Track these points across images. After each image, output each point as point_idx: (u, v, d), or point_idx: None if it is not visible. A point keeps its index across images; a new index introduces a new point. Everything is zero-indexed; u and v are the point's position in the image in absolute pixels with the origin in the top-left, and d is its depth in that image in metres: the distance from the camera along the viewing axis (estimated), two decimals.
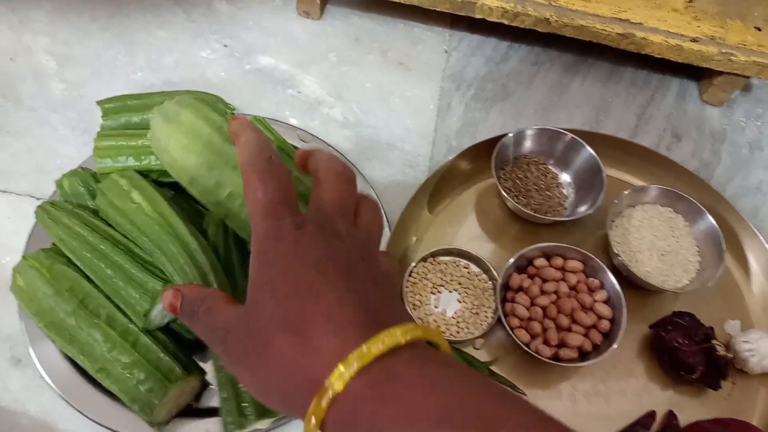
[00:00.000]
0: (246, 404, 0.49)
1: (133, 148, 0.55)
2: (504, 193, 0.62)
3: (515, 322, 0.57)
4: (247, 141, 0.37)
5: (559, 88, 0.76)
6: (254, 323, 0.31)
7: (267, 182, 0.35)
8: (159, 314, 0.51)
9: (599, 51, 0.75)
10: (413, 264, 0.60)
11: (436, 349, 0.31)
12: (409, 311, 0.58)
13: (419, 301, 0.59)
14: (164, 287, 0.49)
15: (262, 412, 0.49)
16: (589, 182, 0.64)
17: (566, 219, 0.62)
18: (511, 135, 0.65)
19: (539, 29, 0.70)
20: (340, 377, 0.27)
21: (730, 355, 0.57)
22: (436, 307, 0.59)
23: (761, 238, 0.63)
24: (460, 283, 0.60)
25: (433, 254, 0.61)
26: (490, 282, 0.61)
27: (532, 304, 0.58)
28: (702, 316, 0.59)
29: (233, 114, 0.64)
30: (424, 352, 0.29)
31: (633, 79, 0.77)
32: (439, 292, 0.60)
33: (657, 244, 0.62)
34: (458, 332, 0.58)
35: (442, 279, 0.60)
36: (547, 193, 0.65)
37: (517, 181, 0.66)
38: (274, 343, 0.30)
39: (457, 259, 0.62)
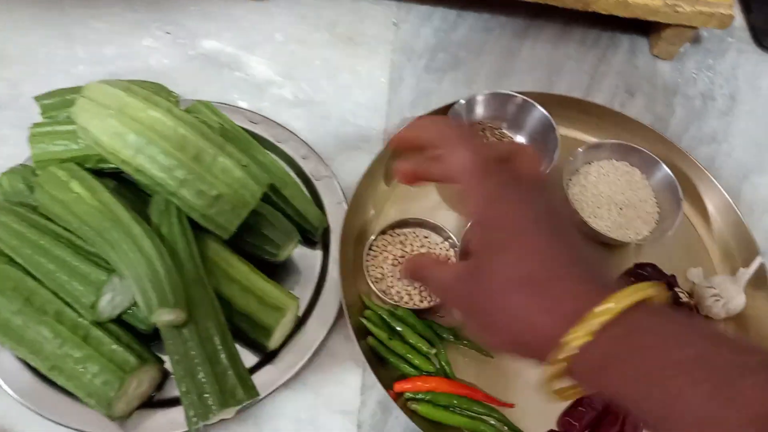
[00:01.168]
0: (207, 395, 0.47)
1: (68, 132, 0.53)
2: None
3: None
4: (423, 125, 0.38)
5: (510, 53, 0.75)
6: (486, 283, 0.33)
7: (470, 144, 0.35)
8: (109, 305, 0.49)
9: (548, 14, 0.74)
10: (372, 237, 0.59)
11: (662, 304, 0.31)
12: (371, 285, 0.57)
13: (381, 273, 0.58)
14: (109, 277, 0.48)
15: (224, 401, 0.47)
16: (543, 142, 0.64)
17: None
18: (462, 102, 0.64)
19: None
20: (581, 335, 0.29)
21: (693, 302, 0.57)
22: (399, 279, 0.58)
23: (718, 185, 0.63)
24: (415, 250, 0.59)
25: (392, 226, 0.60)
26: (451, 250, 0.60)
27: None
28: (665, 265, 0.59)
29: (177, 101, 0.62)
30: (660, 308, 0.30)
31: (583, 39, 0.77)
32: (400, 263, 0.59)
33: (615, 198, 0.62)
34: (422, 302, 0.57)
35: (402, 250, 0.60)
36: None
37: None
38: (510, 303, 0.32)
39: (417, 229, 0.61)
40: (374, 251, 0.59)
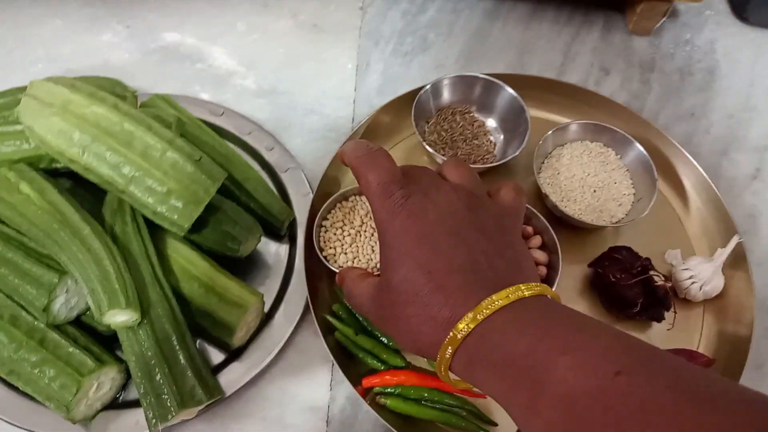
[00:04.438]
0: (165, 396, 0.46)
1: (20, 132, 0.51)
2: (428, 147, 0.60)
3: None
4: (343, 147, 0.42)
5: (480, 34, 0.73)
6: (385, 299, 0.37)
7: (372, 168, 0.38)
8: (63, 307, 0.48)
9: None
10: (322, 209, 0.55)
11: (535, 300, 0.34)
12: (325, 263, 0.54)
13: (334, 250, 0.55)
14: (61, 279, 0.46)
15: (183, 402, 0.46)
16: (514, 125, 0.62)
17: (494, 164, 0.60)
18: (428, 87, 0.62)
19: None
20: (451, 340, 0.33)
21: (669, 284, 0.55)
22: (356, 248, 0.56)
23: (695, 163, 0.61)
24: (373, 220, 0.57)
25: (345, 195, 0.56)
26: None
27: None
28: (642, 248, 0.57)
29: (135, 97, 0.60)
30: (522, 307, 0.33)
31: (556, 18, 0.74)
32: (359, 233, 0.56)
33: (588, 180, 0.60)
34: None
35: (361, 218, 0.56)
36: (475, 141, 0.63)
37: (443, 133, 0.63)
38: (403, 315, 0.35)
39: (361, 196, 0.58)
40: (326, 225, 0.56)
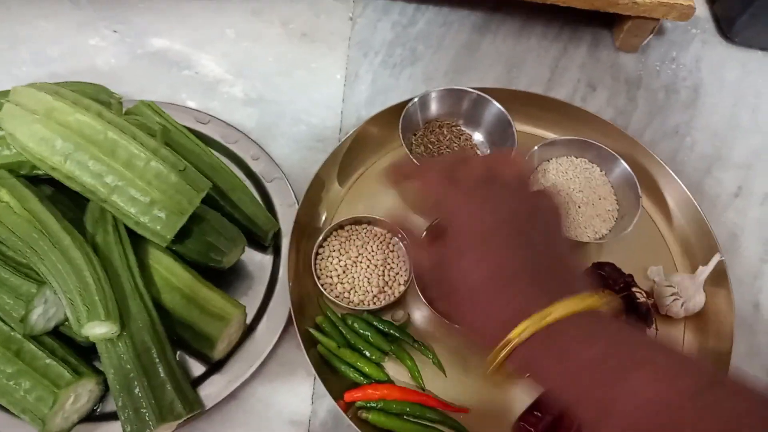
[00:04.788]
0: (144, 410, 0.45)
1: (1, 138, 0.51)
2: (415, 160, 0.60)
3: (433, 294, 0.55)
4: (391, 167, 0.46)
5: (470, 47, 0.73)
6: (452, 280, 0.38)
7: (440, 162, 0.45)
8: (41, 318, 0.47)
9: (508, 8, 0.73)
10: (320, 238, 0.57)
11: (601, 313, 0.35)
12: (322, 290, 0.55)
13: (331, 279, 0.56)
14: (39, 289, 0.46)
15: (162, 416, 0.45)
16: (501, 139, 0.62)
17: None
18: (416, 99, 0.62)
19: None
20: (519, 334, 0.33)
21: (651, 301, 0.56)
22: (352, 279, 0.56)
23: (679, 181, 0.62)
24: (369, 251, 0.58)
25: (341, 225, 0.58)
26: (401, 245, 0.58)
27: None
28: (626, 264, 0.58)
29: (120, 103, 0.60)
30: (590, 317, 0.34)
31: (544, 33, 0.75)
32: (355, 263, 0.57)
33: (573, 196, 0.60)
34: (375, 303, 0.55)
35: (357, 250, 0.58)
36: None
37: (429, 146, 0.63)
38: (469, 299, 0.37)
39: (367, 226, 0.59)
40: (323, 254, 0.57)
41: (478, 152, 0.64)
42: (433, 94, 0.63)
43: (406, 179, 0.44)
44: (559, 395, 0.34)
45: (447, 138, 0.64)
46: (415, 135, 0.64)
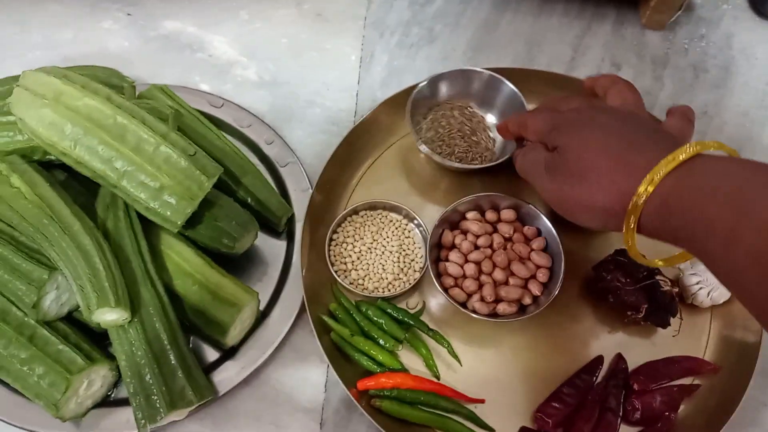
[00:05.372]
0: (155, 397, 0.45)
1: (13, 123, 0.50)
2: (422, 148, 0.57)
3: (449, 281, 0.53)
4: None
5: (488, 26, 0.71)
6: (574, 154, 0.41)
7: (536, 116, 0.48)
8: (54, 304, 0.47)
9: None
10: (334, 224, 0.56)
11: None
12: (336, 277, 0.54)
13: (345, 265, 0.55)
14: (51, 275, 0.45)
15: (172, 403, 0.45)
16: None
17: (492, 164, 0.58)
18: (425, 82, 0.60)
19: None
20: (651, 182, 0.36)
21: (675, 290, 0.54)
22: (366, 265, 0.55)
23: None
24: (385, 237, 0.57)
25: (356, 210, 0.57)
26: (417, 232, 0.57)
27: (466, 260, 0.54)
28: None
29: (133, 87, 0.59)
30: (716, 156, 0.36)
31: (566, 10, 0.72)
32: (370, 250, 0.56)
33: None
34: (390, 290, 0.54)
35: (372, 236, 0.57)
36: (473, 138, 0.61)
37: (440, 130, 0.61)
38: (596, 165, 0.40)
39: (385, 212, 0.58)
40: (337, 239, 0.56)
41: (491, 134, 0.62)
42: (444, 76, 0.61)
43: (521, 127, 0.49)
44: (687, 243, 0.35)
45: (459, 121, 0.62)
46: (425, 118, 0.62)
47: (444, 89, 0.62)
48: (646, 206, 0.37)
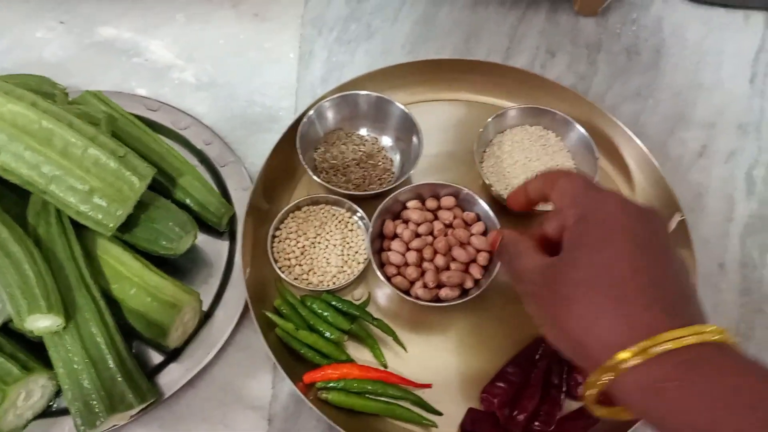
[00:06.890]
0: (94, 402, 0.45)
1: None
2: (317, 179, 0.57)
3: (392, 270, 0.54)
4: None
5: (426, 19, 0.72)
6: (564, 276, 0.35)
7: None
8: None
9: None
10: (276, 220, 0.56)
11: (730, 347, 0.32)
12: (279, 273, 0.54)
13: (288, 261, 0.56)
14: None
15: (112, 407, 0.45)
16: (407, 142, 0.60)
17: (395, 185, 0.57)
18: (311, 113, 0.59)
19: None
20: (638, 353, 0.31)
21: None
22: (310, 260, 0.56)
23: (638, 142, 0.60)
24: (328, 231, 0.57)
25: (298, 206, 0.57)
26: (361, 224, 0.58)
27: (408, 249, 0.54)
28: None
29: (65, 94, 0.58)
30: (727, 349, 0.32)
31: (502, 1, 0.73)
32: (314, 244, 0.56)
33: (530, 165, 0.59)
34: (334, 283, 0.54)
35: (315, 231, 0.57)
36: (370, 162, 0.60)
37: (333, 161, 0.60)
38: (580, 300, 0.34)
39: (325, 206, 0.58)
40: (280, 236, 0.57)
41: (387, 155, 0.62)
42: (327, 104, 0.60)
43: (546, 183, 0.43)
44: (679, 423, 0.31)
45: (350, 148, 0.61)
46: (316, 150, 0.61)
47: (330, 117, 0.61)
48: (628, 374, 0.32)
